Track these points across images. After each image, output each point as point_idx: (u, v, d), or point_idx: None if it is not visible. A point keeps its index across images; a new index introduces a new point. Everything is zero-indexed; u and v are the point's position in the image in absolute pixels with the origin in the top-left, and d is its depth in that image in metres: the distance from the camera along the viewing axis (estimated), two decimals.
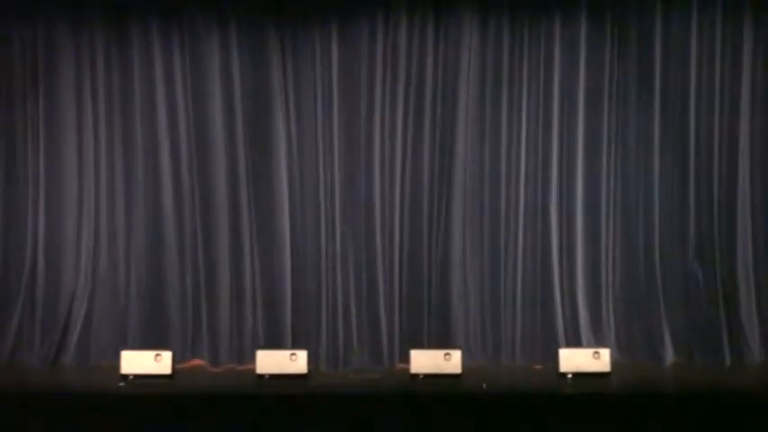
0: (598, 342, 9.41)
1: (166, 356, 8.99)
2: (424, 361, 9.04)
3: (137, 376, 8.91)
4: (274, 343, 9.49)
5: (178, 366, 9.21)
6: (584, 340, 9.50)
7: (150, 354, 9.02)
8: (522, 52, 9.61)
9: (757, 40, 9.48)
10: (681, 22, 9.51)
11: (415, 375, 8.98)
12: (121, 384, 8.84)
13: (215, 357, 9.59)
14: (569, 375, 8.88)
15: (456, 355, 9.00)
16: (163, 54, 9.62)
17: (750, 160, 9.53)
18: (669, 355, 9.42)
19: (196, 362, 9.57)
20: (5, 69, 9.64)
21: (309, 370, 9.03)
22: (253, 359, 9.06)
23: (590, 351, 9.02)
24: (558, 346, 9.27)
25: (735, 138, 9.51)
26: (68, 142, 9.72)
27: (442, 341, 9.50)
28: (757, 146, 9.53)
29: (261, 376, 8.96)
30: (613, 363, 8.93)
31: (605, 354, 8.95)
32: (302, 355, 9.02)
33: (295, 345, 9.44)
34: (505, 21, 9.57)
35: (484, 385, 8.76)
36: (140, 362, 8.99)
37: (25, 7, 9.56)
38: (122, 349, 9.16)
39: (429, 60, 9.58)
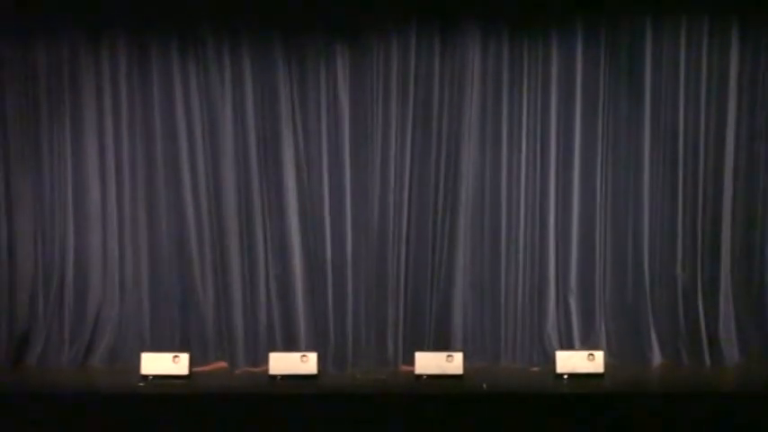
0: (591, 345, 9.65)
1: (184, 358, 9.24)
2: (428, 362, 9.29)
3: (156, 377, 9.17)
4: (286, 345, 9.79)
5: (199, 369, 9.53)
6: (577, 343, 9.75)
7: (168, 356, 9.28)
8: (521, 69, 9.83)
9: (743, 58, 9.70)
10: (670, 39, 9.74)
11: (419, 376, 9.23)
12: (141, 384, 9.10)
13: (232, 359, 9.85)
14: (565, 376, 9.14)
15: (458, 357, 9.24)
16: (181, 72, 9.89)
17: (734, 173, 9.76)
18: (656, 357, 9.70)
19: (219, 364, 9.85)
20: (32, 88, 9.91)
21: (319, 371, 9.28)
22: (266, 361, 9.35)
23: (585, 353, 9.24)
24: (555, 349, 9.51)
25: (720, 151, 9.75)
26: (90, 155, 9.97)
27: (444, 344, 9.75)
28: (742, 159, 9.78)
29: (273, 377, 9.22)
30: (606, 364, 9.19)
31: (599, 356, 9.19)
32: (313, 357, 9.27)
33: (306, 347, 9.73)
34: (505, 39, 9.81)
35: (484, 385, 8.98)
36: (159, 363, 9.24)
37: (51, 29, 9.84)
38: (143, 351, 9.45)
39: (435, 77, 9.81)
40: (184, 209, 9.96)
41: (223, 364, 9.85)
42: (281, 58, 9.87)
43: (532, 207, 9.93)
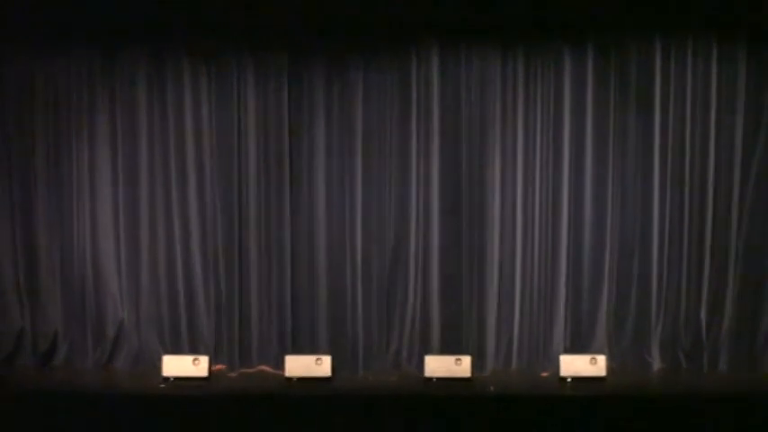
0: (595, 349, 9.83)
1: (204, 360, 9.54)
2: (437, 366, 9.55)
3: (177, 378, 9.46)
4: (302, 349, 9.96)
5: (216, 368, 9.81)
6: (582, 348, 9.89)
7: (189, 358, 9.58)
8: (535, 89, 10.03)
9: (749, 81, 9.85)
10: (678, 56, 9.92)
11: (429, 379, 9.49)
12: (163, 386, 9.41)
13: (248, 362, 10.06)
14: (569, 379, 9.40)
15: (466, 361, 9.49)
16: (192, 86, 10.10)
17: (740, 186, 9.92)
18: (656, 362, 9.93)
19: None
20: (52, 103, 10.16)
21: (333, 373, 9.54)
22: (282, 363, 9.60)
23: (588, 357, 9.49)
24: (559, 353, 9.71)
25: (728, 164, 9.91)
26: (107, 165, 10.16)
27: (453, 348, 9.88)
28: (749, 172, 9.90)
29: (289, 379, 9.50)
30: (608, 368, 9.46)
31: (602, 360, 9.45)
32: (327, 360, 9.55)
33: (321, 350, 9.91)
34: (520, 60, 10.01)
35: (491, 388, 9.28)
36: (180, 365, 9.54)
37: (69, 47, 10.08)
38: (164, 354, 9.75)
39: (459, 94, 10.01)
40: (206, 214, 10.15)
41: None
42: (290, 74, 10.07)
43: (545, 221, 10.10)
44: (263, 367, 10.06)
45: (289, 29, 9.93)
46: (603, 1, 9.69)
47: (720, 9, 9.67)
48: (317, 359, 9.62)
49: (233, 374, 9.95)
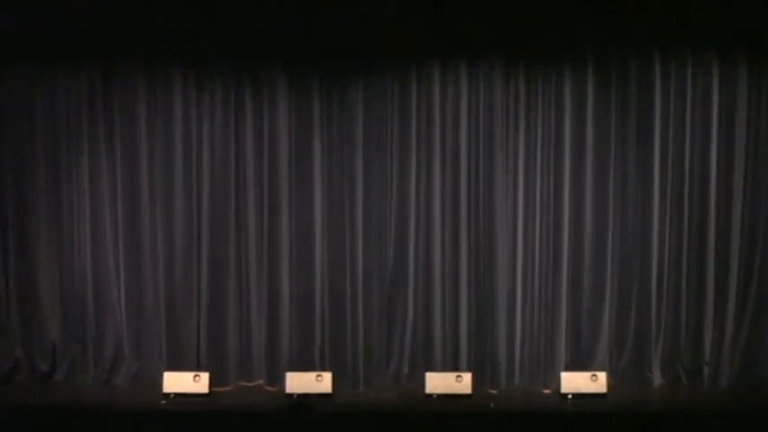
0: (596, 366, 9.86)
1: (204, 377, 9.59)
2: (438, 382, 9.60)
3: (177, 395, 9.50)
4: (302, 365, 9.94)
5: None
6: (583, 364, 9.89)
7: (189, 375, 9.63)
8: (536, 105, 10.05)
9: (751, 98, 9.88)
10: (678, 73, 9.95)
11: (430, 395, 9.53)
12: (163, 402, 9.43)
13: (249, 378, 10.08)
14: (570, 396, 9.43)
15: (467, 378, 9.55)
16: (197, 106, 10.15)
17: (741, 205, 9.93)
18: (657, 378, 9.95)
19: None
20: (51, 120, 10.18)
21: (334, 390, 9.58)
22: (283, 380, 9.65)
23: (588, 374, 9.55)
24: (560, 370, 9.74)
25: (728, 183, 9.94)
26: (107, 181, 10.17)
27: (453, 366, 9.93)
28: (749, 191, 9.93)
29: (290, 395, 9.51)
30: (609, 384, 9.50)
31: (602, 376, 9.50)
32: (327, 377, 9.61)
33: (321, 367, 9.94)
34: (521, 77, 10.04)
35: (492, 405, 9.31)
36: (181, 382, 9.59)
37: (69, 65, 10.13)
38: (164, 370, 9.76)
39: (459, 111, 10.06)
40: (204, 233, 10.18)
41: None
42: (290, 92, 10.12)
43: (546, 234, 10.12)
44: (263, 384, 10.09)
45: (289, 47, 9.97)
46: (603, 16, 9.73)
47: (720, 23, 9.72)
48: (318, 375, 9.67)
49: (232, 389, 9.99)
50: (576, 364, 9.94)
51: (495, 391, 9.84)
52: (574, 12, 9.68)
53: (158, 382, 9.69)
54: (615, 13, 9.69)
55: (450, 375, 9.66)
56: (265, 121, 10.15)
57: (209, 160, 10.18)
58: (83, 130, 10.22)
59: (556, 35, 9.85)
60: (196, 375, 9.65)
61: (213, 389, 9.71)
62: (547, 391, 9.87)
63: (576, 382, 9.54)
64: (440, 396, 9.53)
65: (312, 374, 9.69)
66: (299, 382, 9.62)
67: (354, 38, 9.87)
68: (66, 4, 9.70)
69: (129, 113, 10.18)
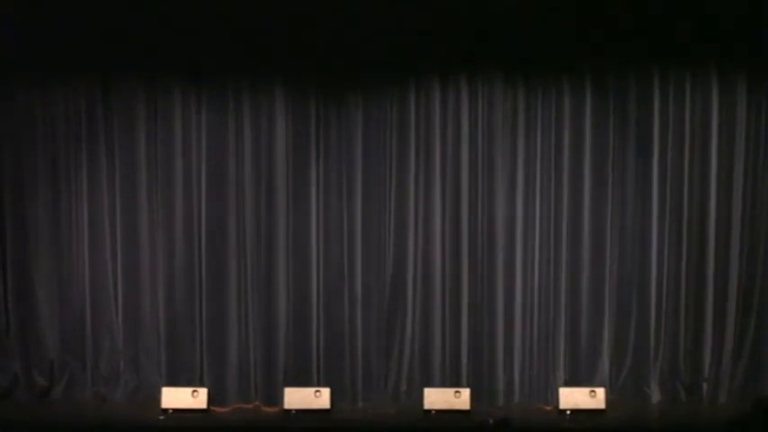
0: (595, 382, 9.86)
1: (202, 393, 9.60)
2: (437, 398, 9.60)
3: (175, 410, 9.50)
4: (301, 381, 9.91)
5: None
6: (582, 380, 9.89)
7: (188, 390, 9.64)
8: (536, 119, 10.06)
9: (750, 113, 9.89)
10: (677, 88, 9.96)
11: (428, 411, 9.52)
12: (162, 417, 9.44)
13: (246, 394, 9.98)
14: (568, 412, 9.44)
15: (465, 393, 9.56)
16: (190, 121, 10.14)
17: (741, 219, 9.93)
18: (655, 395, 9.91)
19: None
20: (50, 133, 10.15)
21: (332, 405, 9.58)
22: (281, 395, 9.63)
23: (587, 390, 9.57)
24: (559, 386, 9.75)
25: (726, 196, 9.94)
26: (105, 194, 10.14)
27: (453, 381, 9.91)
28: (748, 205, 9.93)
29: (288, 411, 9.52)
30: (608, 400, 9.52)
31: (601, 392, 9.52)
32: (326, 392, 9.61)
33: (319, 382, 9.92)
34: (521, 91, 10.05)
35: (491, 420, 9.26)
36: (179, 397, 9.59)
37: (68, 77, 10.11)
38: (163, 386, 9.75)
39: (459, 125, 10.06)
40: (203, 248, 10.14)
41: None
42: (288, 107, 10.11)
43: (546, 250, 10.11)
44: (260, 405, 10.01)
45: (287, 61, 10.00)
46: (602, 32, 9.75)
47: (718, 34, 9.72)
48: (316, 391, 9.67)
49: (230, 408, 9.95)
50: (575, 380, 9.93)
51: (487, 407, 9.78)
52: (572, 25, 9.69)
53: (157, 397, 9.68)
54: (613, 26, 9.70)
55: (449, 391, 9.66)
56: (262, 136, 10.14)
57: (208, 176, 10.16)
58: (82, 143, 10.18)
59: (555, 48, 9.85)
60: (194, 391, 9.65)
61: (212, 407, 9.69)
62: (546, 408, 9.86)
63: (574, 397, 9.55)
64: (438, 412, 9.52)
65: (310, 390, 9.68)
66: (298, 398, 9.61)
67: (353, 50, 9.89)
68: (64, 16, 9.70)
69: (128, 129, 10.14)
